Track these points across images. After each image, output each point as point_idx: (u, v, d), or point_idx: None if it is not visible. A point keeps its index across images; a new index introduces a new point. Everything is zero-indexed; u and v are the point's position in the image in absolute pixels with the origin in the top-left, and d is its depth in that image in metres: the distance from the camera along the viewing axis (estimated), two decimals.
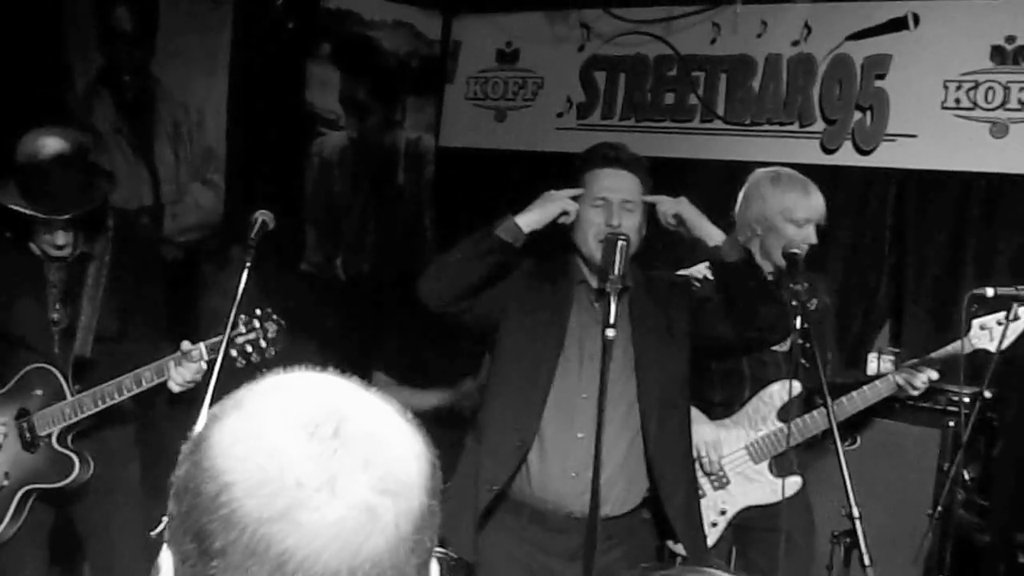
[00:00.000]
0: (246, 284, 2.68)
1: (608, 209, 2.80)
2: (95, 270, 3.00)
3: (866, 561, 2.48)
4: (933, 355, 3.19)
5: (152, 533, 2.97)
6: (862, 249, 4.40)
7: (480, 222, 2.85)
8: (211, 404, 2.55)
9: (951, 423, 3.56)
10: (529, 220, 2.81)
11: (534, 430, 2.79)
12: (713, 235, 2.81)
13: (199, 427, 0.82)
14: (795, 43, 4.52)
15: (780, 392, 3.25)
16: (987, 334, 3.11)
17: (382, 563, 0.75)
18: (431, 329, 3.97)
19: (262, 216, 2.82)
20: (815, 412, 3.24)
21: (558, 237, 2.91)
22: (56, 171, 2.83)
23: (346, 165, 5.20)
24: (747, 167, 4.63)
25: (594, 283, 2.86)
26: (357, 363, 4.57)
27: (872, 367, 3.90)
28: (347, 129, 5.19)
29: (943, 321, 4.05)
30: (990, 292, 3.01)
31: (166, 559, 0.80)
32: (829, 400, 2.75)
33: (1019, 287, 3.02)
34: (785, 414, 3.21)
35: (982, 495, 3.76)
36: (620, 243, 2.64)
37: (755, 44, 4.61)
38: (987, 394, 3.06)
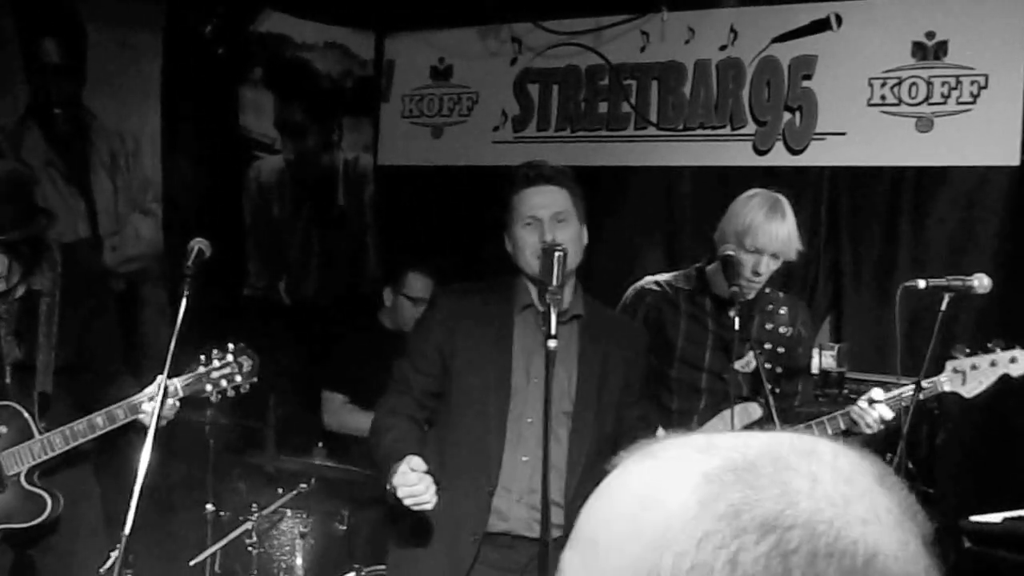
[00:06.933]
0: (184, 313, 2.68)
1: (539, 227, 2.78)
2: (47, 306, 2.97)
3: None
4: (890, 395, 3.08)
5: (101, 570, 2.93)
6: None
7: (422, 239, 2.83)
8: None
9: None
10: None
11: (497, 470, 2.79)
12: None
13: None
14: (723, 48, 4.59)
15: (740, 414, 3.16)
16: (960, 377, 3.08)
17: None
18: (377, 349, 3.99)
19: (198, 244, 2.83)
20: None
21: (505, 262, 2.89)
22: None
23: (285, 188, 5.19)
24: (683, 171, 4.75)
25: (542, 306, 2.80)
26: (306, 387, 4.55)
27: (815, 363, 3.95)
28: (284, 152, 5.18)
29: (882, 315, 4.11)
30: (921, 284, 3.05)
31: None
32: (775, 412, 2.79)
33: (950, 278, 3.06)
34: None
35: (927, 482, 3.85)
36: (557, 254, 2.62)
37: (684, 50, 4.68)
38: (925, 384, 3.05)
